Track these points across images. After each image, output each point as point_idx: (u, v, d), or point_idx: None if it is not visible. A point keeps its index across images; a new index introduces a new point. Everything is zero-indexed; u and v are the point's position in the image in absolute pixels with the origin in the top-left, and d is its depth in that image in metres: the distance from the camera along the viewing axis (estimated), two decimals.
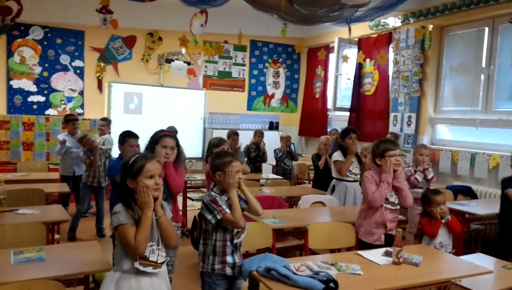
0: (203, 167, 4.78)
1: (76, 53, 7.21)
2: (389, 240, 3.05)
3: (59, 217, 3.22)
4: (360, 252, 2.69)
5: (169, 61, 7.28)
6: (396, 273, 2.39)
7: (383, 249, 2.71)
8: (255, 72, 8.81)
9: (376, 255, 2.63)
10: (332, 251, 3.25)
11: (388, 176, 3.00)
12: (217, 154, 2.58)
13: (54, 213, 3.32)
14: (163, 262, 2.06)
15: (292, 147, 8.77)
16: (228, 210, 2.38)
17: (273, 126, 8.57)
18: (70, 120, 5.57)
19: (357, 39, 7.51)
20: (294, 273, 2.19)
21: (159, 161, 2.11)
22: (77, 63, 7.24)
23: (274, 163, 6.62)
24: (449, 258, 2.83)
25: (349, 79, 7.85)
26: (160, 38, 7.72)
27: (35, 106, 6.97)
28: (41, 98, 7.01)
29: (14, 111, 6.80)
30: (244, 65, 8.68)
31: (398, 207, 3.13)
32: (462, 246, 4.29)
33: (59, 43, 7.06)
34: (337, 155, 4.49)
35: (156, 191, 2.01)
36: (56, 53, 7.06)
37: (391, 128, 6.84)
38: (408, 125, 6.58)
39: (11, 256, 2.29)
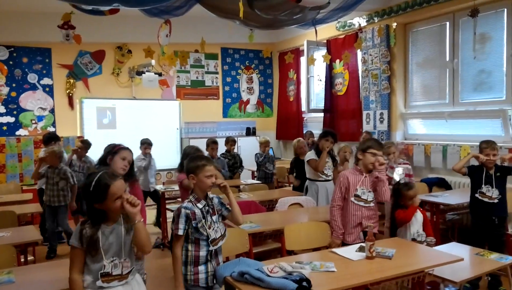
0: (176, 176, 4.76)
1: (44, 71, 7.09)
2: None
3: (30, 238, 3.16)
4: (334, 249, 2.73)
5: (139, 73, 7.23)
6: (369, 268, 2.43)
7: (357, 245, 2.75)
8: (228, 79, 8.83)
9: (350, 252, 2.67)
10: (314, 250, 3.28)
11: (337, 233, 3.11)
12: (192, 157, 2.58)
13: (25, 234, 3.25)
14: (129, 272, 2.04)
15: (270, 151, 8.86)
16: (181, 231, 2.36)
17: (250, 132, 8.60)
18: (53, 139, 5.45)
19: (325, 41, 7.61)
20: (268, 275, 2.20)
21: (121, 178, 2.06)
22: (46, 81, 7.12)
23: (254, 168, 6.63)
24: (422, 249, 2.89)
25: (320, 80, 7.94)
26: (130, 51, 7.67)
27: (4, 128, 6.82)
28: (10, 119, 6.87)
29: None
30: (216, 73, 8.69)
31: (372, 204, 3.16)
32: (439, 237, 4.39)
33: (25, 62, 6.94)
34: (311, 155, 4.56)
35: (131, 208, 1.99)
36: (23, 72, 6.93)
37: (365, 126, 6.95)
38: (381, 122, 6.69)
39: None
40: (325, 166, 4.52)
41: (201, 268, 2.41)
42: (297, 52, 8.43)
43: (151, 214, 5.81)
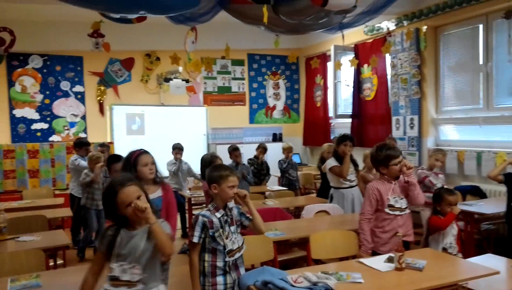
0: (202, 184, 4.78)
1: (76, 79, 7.30)
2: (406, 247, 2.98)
3: (59, 242, 3.21)
4: (362, 259, 2.64)
5: (167, 80, 7.33)
6: (398, 279, 2.34)
7: (385, 256, 2.65)
8: (255, 85, 8.83)
9: (378, 262, 2.58)
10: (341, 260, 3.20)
11: (366, 248, 2.98)
12: (215, 166, 2.57)
13: (55, 238, 3.31)
14: (139, 281, 2.00)
15: (297, 157, 8.79)
16: (196, 239, 2.34)
17: (277, 138, 8.56)
18: (84, 144, 5.58)
19: (353, 46, 7.51)
20: (292, 285, 2.15)
21: (131, 184, 2.03)
22: (78, 88, 7.32)
23: (279, 174, 6.59)
24: (455, 260, 2.76)
25: (348, 85, 7.83)
26: (158, 58, 7.79)
27: (38, 134, 7.05)
28: (44, 125, 7.09)
29: (18, 140, 6.87)
30: (243, 79, 8.71)
31: (407, 211, 3.05)
32: (473, 247, 4.21)
33: (58, 70, 7.16)
34: (331, 162, 4.46)
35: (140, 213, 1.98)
36: (56, 80, 7.15)
37: (394, 132, 6.79)
38: (411, 127, 6.51)
39: (8, 284, 2.28)
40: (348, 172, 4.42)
41: (219, 279, 2.36)
42: (324, 57, 8.35)
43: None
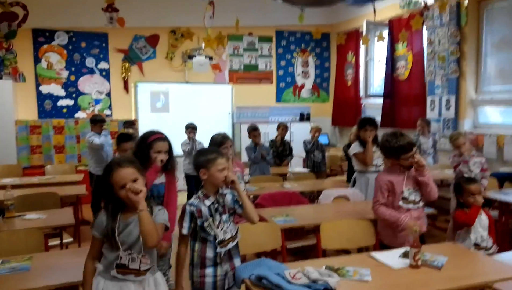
0: None
1: (101, 55, 7.25)
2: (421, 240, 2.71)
3: (64, 221, 3.15)
4: (374, 254, 2.39)
5: (191, 57, 7.16)
6: (412, 279, 2.08)
7: (402, 250, 2.40)
8: (283, 62, 8.52)
9: (392, 257, 2.33)
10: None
11: (399, 218, 2.71)
12: (201, 151, 2.37)
13: (60, 217, 3.25)
14: (147, 270, 1.92)
15: (325, 138, 8.48)
16: (185, 231, 2.18)
17: (304, 117, 8.27)
18: (98, 121, 5.52)
19: (387, 21, 7.04)
20: (289, 281, 1.95)
21: (128, 166, 1.90)
22: (103, 65, 7.28)
23: (304, 155, 6.32)
24: (483, 258, 2.47)
25: (380, 62, 7.38)
26: (183, 35, 7.62)
27: (64, 110, 7.10)
28: (69, 102, 7.13)
29: (44, 116, 6.95)
30: (270, 56, 8.41)
31: (421, 204, 2.80)
32: (508, 241, 3.86)
33: (83, 47, 7.13)
34: (356, 147, 4.11)
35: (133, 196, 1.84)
36: (82, 57, 7.14)
37: (428, 114, 6.36)
38: (447, 109, 6.07)
39: None
40: (373, 157, 4.09)
41: (208, 271, 2.19)
42: (357, 34, 7.90)
43: None
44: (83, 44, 7.13)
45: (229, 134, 7.86)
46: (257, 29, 8.21)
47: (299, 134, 7.58)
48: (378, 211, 2.80)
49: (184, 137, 5.85)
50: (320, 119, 8.53)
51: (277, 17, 7.91)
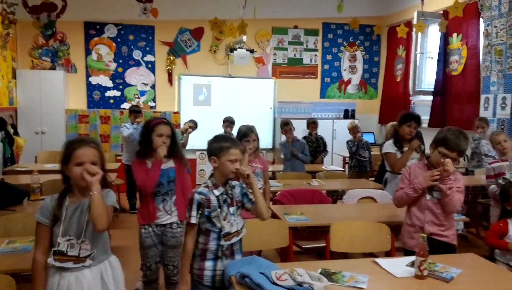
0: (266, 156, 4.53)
1: (147, 48, 7.45)
2: (438, 248, 2.47)
3: None
4: (379, 260, 2.21)
5: (233, 50, 7.13)
6: None
7: (411, 258, 2.19)
8: (329, 57, 8.26)
9: (398, 265, 2.14)
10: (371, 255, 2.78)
11: (422, 181, 2.47)
12: (217, 137, 2.29)
13: None
14: (87, 256, 1.84)
15: (371, 136, 8.13)
16: (194, 219, 2.08)
17: (349, 114, 7.97)
18: (132, 112, 5.65)
19: (441, 12, 6.56)
20: (273, 282, 1.83)
21: (94, 147, 1.88)
22: (149, 57, 7.48)
23: (347, 153, 6.04)
24: (507, 274, 2.19)
25: (432, 58, 6.92)
26: (222, 31, 7.59)
27: (111, 101, 7.38)
28: (116, 93, 7.40)
29: (93, 106, 7.28)
30: (316, 50, 8.18)
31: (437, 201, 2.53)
32: None
33: (131, 39, 7.36)
34: (389, 146, 3.72)
35: (84, 180, 1.79)
36: (129, 49, 7.37)
37: (482, 112, 5.85)
38: (503, 108, 5.55)
39: (2, 246, 2.30)
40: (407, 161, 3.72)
41: (208, 264, 2.11)
42: (409, 26, 7.45)
43: None
44: (131, 37, 7.36)
45: (270, 129, 7.86)
46: (303, 22, 8.02)
47: (342, 131, 7.31)
48: (396, 194, 2.63)
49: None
50: (366, 116, 8.21)
51: (324, 9, 7.69)
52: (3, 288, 1.81)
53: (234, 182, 2.26)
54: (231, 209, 2.16)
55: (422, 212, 2.53)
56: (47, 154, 5.97)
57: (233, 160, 2.14)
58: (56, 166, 4.97)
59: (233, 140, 2.26)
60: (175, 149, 2.81)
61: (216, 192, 2.14)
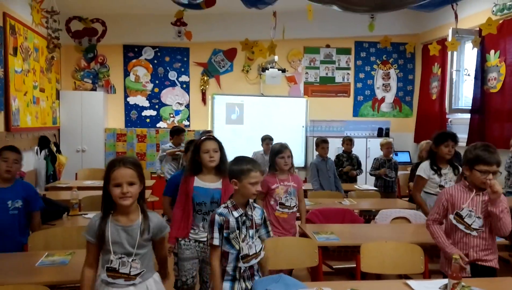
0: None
1: (182, 69, 7.68)
2: (480, 272, 2.38)
3: None
4: (410, 282, 2.16)
5: (264, 69, 7.24)
6: None
7: (443, 281, 2.13)
8: (362, 75, 8.22)
9: (431, 288, 2.08)
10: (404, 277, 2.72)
11: (446, 247, 2.45)
12: (237, 159, 2.32)
13: None
14: (137, 274, 1.94)
15: (407, 155, 7.97)
16: (217, 241, 2.11)
17: (383, 133, 7.86)
18: (177, 132, 5.80)
19: (477, 29, 6.43)
20: None
21: (130, 168, 1.94)
22: (183, 78, 7.71)
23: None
24: None
25: (468, 75, 6.76)
26: (253, 52, 7.72)
27: (148, 120, 7.63)
28: (153, 112, 7.65)
29: (130, 125, 7.54)
30: (348, 68, 8.17)
31: (475, 233, 2.41)
32: None
33: (167, 61, 7.62)
34: (424, 169, 3.57)
35: (122, 200, 1.89)
36: (165, 70, 7.63)
37: None
38: None
39: (41, 258, 2.41)
40: (444, 179, 3.60)
41: (226, 285, 2.11)
42: (443, 44, 7.33)
43: None
44: (167, 59, 7.62)
45: (302, 147, 7.86)
46: (335, 41, 8.05)
47: (376, 150, 7.21)
48: (430, 228, 2.57)
49: (259, 148, 6.00)
50: (401, 135, 8.07)
51: (356, 28, 7.68)
52: None
53: (255, 205, 2.28)
54: (251, 232, 2.17)
55: (465, 237, 2.42)
56: (87, 171, 6.21)
57: (254, 183, 2.16)
58: (94, 183, 5.22)
59: (254, 162, 2.26)
60: (224, 168, 2.69)
61: (236, 214, 2.15)
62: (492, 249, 2.45)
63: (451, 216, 2.42)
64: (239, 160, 2.27)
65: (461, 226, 2.40)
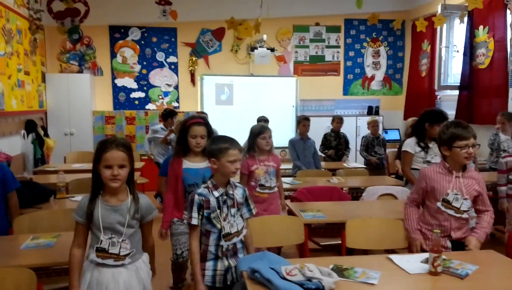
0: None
1: (170, 50, 7.58)
2: (462, 247, 2.42)
3: None
4: (393, 256, 2.19)
5: (253, 49, 7.16)
6: (423, 286, 1.87)
7: (425, 255, 2.16)
8: (351, 53, 8.17)
9: (412, 262, 2.11)
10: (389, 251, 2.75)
11: (413, 237, 2.51)
12: (215, 138, 2.32)
13: None
14: (127, 255, 1.95)
15: (397, 133, 8.00)
16: (195, 221, 2.11)
17: (373, 111, 7.87)
18: (171, 114, 5.76)
19: (466, 4, 6.38)
20: (283, 277, 1.85)
21: (123, 151, 1.94)
22: (172, 59, 7.61)
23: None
24: None
25: (457, 51, 6.75)
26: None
27: (136, 102, 7.56)
28: (141, 94, 7.57)
29: (119, 107, 7.47)
30: (338, 47, 8.11)
31: (466, 215, 2.42)
32: None
33: (154, 42, 7.51)
34: (410, 145, 3.60)
35: (112, 182, 1.90)
36: (153, 51, 7.52)
37: (510, 107, 5.67)
38: None
39: (26, 241, 2.41)
40: (430, 154, 3.62)
41: (209, 264, 2.13)
42: (432, 21, 7.28)
43: None
44: (154, 39, 7.51)
45: (293, 127, 7.85)
46: (325, 19, 7.97)
47: (366, 128, 7.22)
48: (405, 208, 2.60)
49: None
50: (391, 113, 8.09)
51: (345, 5, 7.61)
52: (25, 282, 1.90)
53: (237, 184, 2.28)
54: (232, 210, 2.17)
55: (447, 221, 2.42)
56: (76, 154, 6.18)
57: (233, 161, 2.15)
58: (83, 165, 5.20)
59: (232, 140, 2.24)
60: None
61: (216, 193, 2.16)
62: (467, 225, 2.48)
63: (438, 203, 2.41)
64: (217, 139, 2.27)
65: (450, 211, 2.38)
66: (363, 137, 5.71)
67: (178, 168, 2.76)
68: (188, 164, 2.77)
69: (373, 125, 5.53)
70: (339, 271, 1.99)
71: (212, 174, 2.24)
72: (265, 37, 6.73)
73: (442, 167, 2.47)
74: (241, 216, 2.22)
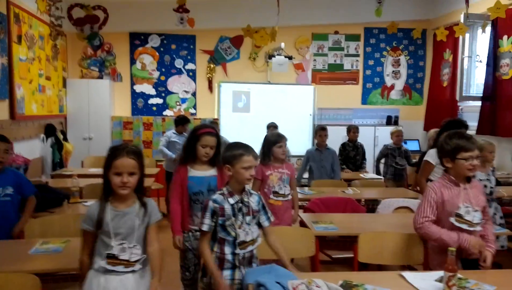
0: None
1: (189, 57, 7.63)
2: (472, 266, 2.31)
3: None
4: (405, 273, 2.11)
5: (271, 57, 7.14)
6: None
7: (439, 273, 2.07)
8: (371, 62, 8.06)
9: (426, 280, 2.03)
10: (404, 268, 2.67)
11: (455, 238, 2.29)
12: (230, 145, 2.28)
13: None
14: (137, 261, 1.93)
15: (416, 144, 7.85)
16: (206, 227, 2.08)
17: (392, 121, 7.73)
18: (184, 121, 5.78)
19: (489, 14, 6.22)
20: None
21: (133, 159, 1.93)
22: (190, 66, 7.65)
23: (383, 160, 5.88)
24: None
25: (480, 61, 6.57)
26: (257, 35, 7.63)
27: (154, 108, 7.62)
28: (159, 100, 7.63)
29: (137, 113, 7.54)
30: (357, 55, 8.02)
31: (479, 228, 2.31)
32: None
33: (173, 49, 7.57)
34: (432, 156, 3.53)
35: (122, 189, 1.89)
36: (172, 58, 7.58)
37: None
38: None
39: (35, 246, 2.41)
40: None
41: (226, 273, 2.09)
42: (453, 30, 7.13)
43: None
44: (173, 46, 7.57)
45: (310, 135, 7.78)
46: (344, 27, 7.90)
47: (385, 138, 7.10)
48: (429, 230, 2.33)
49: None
50: (410, 123, 7.94)
51: (365, 14, 7.52)
52: (28, 288, 1.90)
53: (252, 191, 2.24)
54: (247, 218, 2.14)
55: (459, 235, 2.30)
56: (93, 159, 6.24)
57: (247, 167, 2.12)
58: (99, 170, 5.22)
59: (246, 146, 2.21)
60: (218, 158, 2.70)
61: (231, 200, 2.13)
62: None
63: (452, 219, 2.31)
64: (232, 146, 2.24)
65: (464, 226, 2.28)
66: (384, 145, 5.58)
67: (184, 176, 2.74)
68: (194, 172, 2.73)
69: (397, 135, 5.41)
70: (348, 287, 1.93)
71: (227, 181, 2.21)
72: (283, 45, 6.70)
73: (447, 180, 2.38)
74: (258, 224, 2.19)
